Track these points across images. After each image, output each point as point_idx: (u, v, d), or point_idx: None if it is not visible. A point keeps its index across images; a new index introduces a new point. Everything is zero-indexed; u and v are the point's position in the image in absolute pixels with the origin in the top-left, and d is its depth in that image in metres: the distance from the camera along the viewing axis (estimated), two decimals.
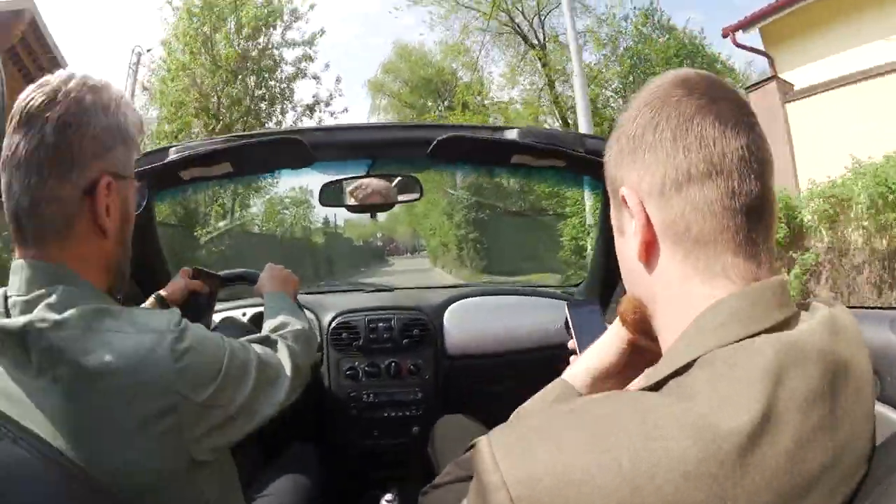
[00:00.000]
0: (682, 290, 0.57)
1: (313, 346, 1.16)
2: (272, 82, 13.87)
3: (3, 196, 0.80)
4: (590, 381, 0.78)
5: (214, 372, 0.83)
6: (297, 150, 1.48)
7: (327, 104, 14.96)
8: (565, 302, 1.05)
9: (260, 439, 0.89)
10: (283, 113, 14.28)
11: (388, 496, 1.40)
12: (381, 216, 1.89)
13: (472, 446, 0.51)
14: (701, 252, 0.56)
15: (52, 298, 0.77)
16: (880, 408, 0.65)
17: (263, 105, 13.82)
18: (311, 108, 14.77)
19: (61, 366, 0.74)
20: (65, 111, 0.79)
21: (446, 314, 1.92)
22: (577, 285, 2.16)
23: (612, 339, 0.78)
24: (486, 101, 15.45)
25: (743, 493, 0.44)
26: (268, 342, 1.01)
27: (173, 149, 1.46)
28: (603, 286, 1.90)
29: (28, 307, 0.77)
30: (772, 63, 8.16)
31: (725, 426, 0.45)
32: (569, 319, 1.01)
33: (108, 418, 0.74)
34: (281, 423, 1.00)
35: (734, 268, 0.56)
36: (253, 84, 13.33)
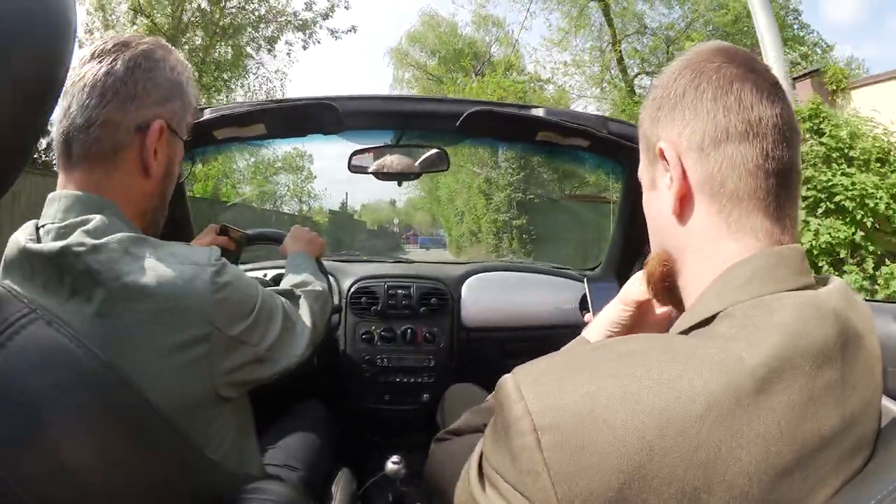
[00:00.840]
0: (712, 245, 0.60)
1: (328, 309, 1.19)
2: None
3: (60, 117, 0.84)
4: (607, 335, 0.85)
5: (248, 309, 0.87)
6: (330, 115, 1.52)
7: (326, 17, 13.05)
8: (584, 278, 1.08)
9: (275, 394, 0.92)
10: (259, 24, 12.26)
11: (395, 458, 1.44)
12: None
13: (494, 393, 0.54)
14: (733, 208, 0.59)
15: (90, 225, 0.79)
16: (883, 399, 0.67)
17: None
18: (303, 25, 12.76)
19: (97, 287, 0.75)
20: (136, 54, 0.86)
21: (464, 286, 1.95)
22: (593, 269, 2.18)
23: (616, 304, 0.87)
24: (523, 75, 13.97)
25: (755, 436, 0.46)
26: (291, 297, 1.04)
27: (208, 110, 1.50)
28: (620, 270, 1.92)
29: (64, 233, 0.79)
30: None
31: (744, 363, 0.48)
32: (587, 294, 1.04)
33: (140, 340, 0.76)
34: (296, 378, 1.04)
35: (762, 228, 0.58)
36: None
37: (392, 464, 1.42)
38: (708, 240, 0.60)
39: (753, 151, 0.58)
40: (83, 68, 0.84)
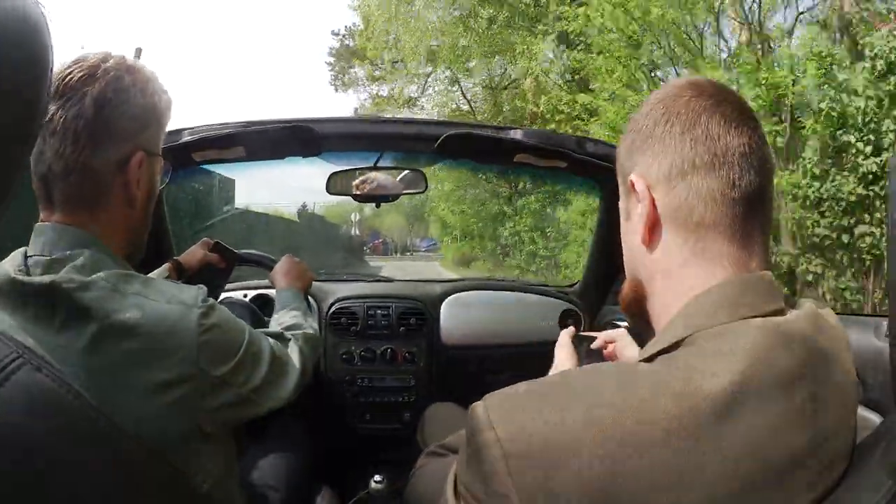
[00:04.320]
0: (679, 272, 0.62)
1: (319, 350, 1.19)
2: None
3: (32, 160, 0.82)
4: None
5: (233, 352, 0.87)
6: (308, 138, 1.54)
7: None
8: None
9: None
10: None
11: (377, 476, 1.44)
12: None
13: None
14: (700, 237, 0.61)
15: (79, 261, 0.80)
16: (863, 411, 0.69)
17: None
18: None
19: (88, 323, 0.76)
20: (104, 88, 0.82)
21: (443, 305, 1.97)
22: (572, 285, 2.21)
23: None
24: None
25: (720, 459, 0.48)
26: (282, 339, 1.05)
27: (187, 131, 1.52)
28: (598, 286, 1.96)
29: (51, 267, 0.79)
30: None
31: (705, 389, 0.50)
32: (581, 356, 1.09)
33: (125, 377, 0.77)
34: None
35: (728, 255, 0.60)
36: None
37: (374, 482, 1.43)
38: (675, 267, 0.62)
39: (720, 182, 0.60)
40: (50, 107, 0.80)
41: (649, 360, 0.58)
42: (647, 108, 0.67)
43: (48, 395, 0.61)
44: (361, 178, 1.76)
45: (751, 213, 0.61)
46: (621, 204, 0.72)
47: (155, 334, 0.78)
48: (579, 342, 1.09)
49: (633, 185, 0.65)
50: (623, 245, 0.72)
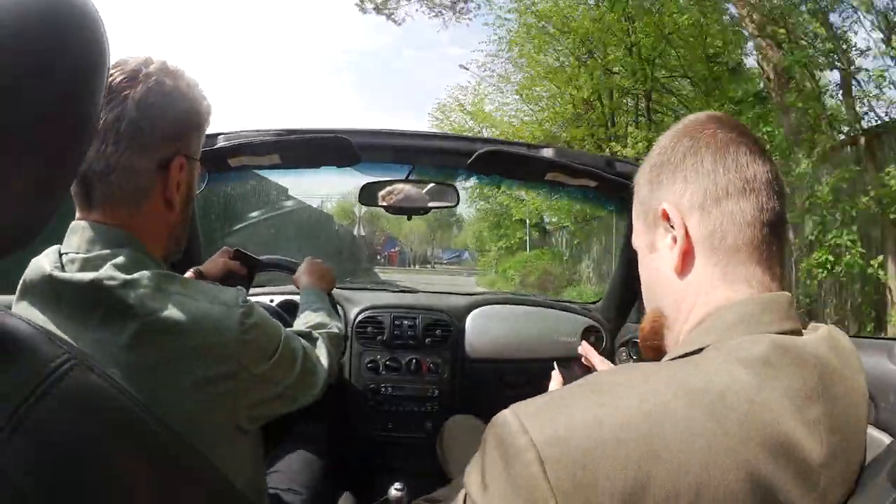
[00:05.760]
0: (707, 294, 0.64)
1: (343, 349, 1.20)
2: None
3: None
4: None
5: (272, 350, 0.89)
6: (345, 149, 1.56)
7: None
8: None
9: (278, 416, 0.94)
10: None
11: (398, 485, 1.45)
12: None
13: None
14: (731, 259, 0.64)
15: (119, 260, 0.80)
16: (874, 432, 0.70)
17: None
18: None
19: (130, 320, 0.77)
20: (147, 92, 0.83)
21: (469, 318, 1.99)
22: (595, 302, 2.22)
23: None
24: None
25: (742, 461, 0.50)
26: (310, 339, 1.07)
27: (222, 136, 1.55)
28: (620, 303, 1.96)
29: (89, 265, 0.80)
30: None
31: (729, 398, 0.52)
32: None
33: (167, 374, 0.78)
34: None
35: (754, 276, 0.63)
36: None
37: (395, 490, 1.44)
38: (703, 290, 0.65)
39: (750, 205, 0.63)
40: None
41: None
42: (671, 142, 0.70)
43: (101, 396, 0.62)
44: (390, 189, 1.78)
45: (774, 237, 0.64)
46: (640, 238, 0.74)
47: (198, 333, 0.80)
48: (565, 365, 1.21)
49: (665, 214, 0.67)
50: (643, 276, 0.75)
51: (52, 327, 0.78)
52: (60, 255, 0.83)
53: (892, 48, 5.44)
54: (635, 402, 0.52)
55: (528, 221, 17.28)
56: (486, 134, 13.52)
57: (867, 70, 5.76)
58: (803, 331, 0.62)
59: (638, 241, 0.74)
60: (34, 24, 0.45)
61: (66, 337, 0.74)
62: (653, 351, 0.72)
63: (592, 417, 0.51)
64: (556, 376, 1.17)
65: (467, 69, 15.62)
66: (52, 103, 0.48)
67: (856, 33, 6.14)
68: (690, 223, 0.66)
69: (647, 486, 0.48)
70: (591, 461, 0.49)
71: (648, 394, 0.52)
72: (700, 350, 0.59)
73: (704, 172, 0.65)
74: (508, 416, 0.53)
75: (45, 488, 0.53)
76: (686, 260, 0.66)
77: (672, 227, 0.67)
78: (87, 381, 0.61)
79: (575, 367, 1.22)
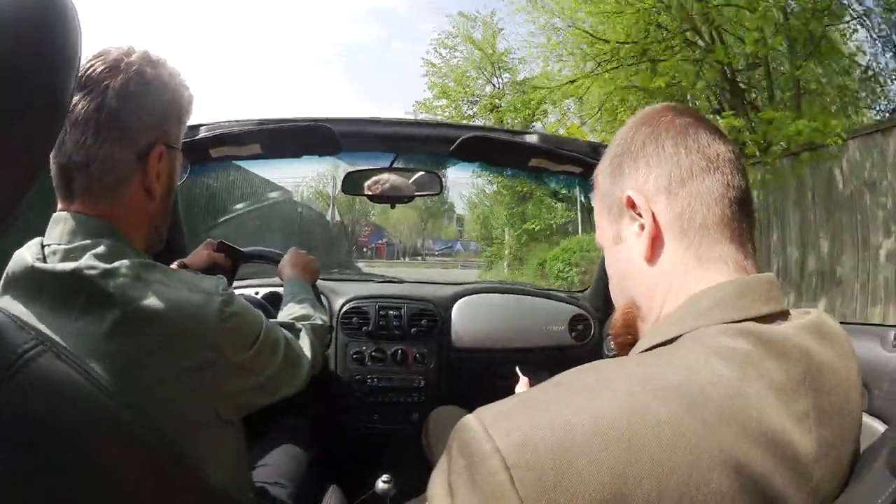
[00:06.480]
0: (682, 278, 0.63)
1: (327, 340, 1.21)
2: None
3: (54, 151, 0.82)
4: None
5: (253, 339, 0.89)
6: (326, 138, 1.55)
7: None
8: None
9: (263, 409, 0.93)
10: None
11: (385, 476, 1.45)
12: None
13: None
14: (703, 239, 0.62)
15: (100, 249, 0.80)
16: (868, 419, 0.69)
17: None
18: None
19: (109, 309, 0.76)
20: (127, 81, 0.82)
21: (455, 308, 1.98)
22: (582, 290, 2.21)
23: None
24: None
25: (726, 459, 0.47)
26: (293, 330, 1.06)
27: (204, 127, 1.53)
28: (607, 291, 1.95)
29: (71, 255, 0.80)
30: None
31: (711, 395, 0.49)
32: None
33: (148, 363, 0.78)
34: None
35: (729, 255, 0.62)
36: None
37: (382, 482, 1.44)
38: (677, 274, 0.63)
39: (716, 183, 0.63)
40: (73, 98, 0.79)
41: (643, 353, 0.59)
42: (630, 133, 0.70)
43: (69, 383, 0.62)
44: (374, 178, 1.76)
45: (742, 214, 0.64)
46: (605, 233, 0.72)
47: (177, 321, 0.80)
48: (534, 371, 1.22)
49: (630, 202, 0.66)
50: (611, 271, 0.74)
51: (34, 319, 0.77)
52: (43, 246, 0.83)
53: None
54: (608, 402, 0.49)
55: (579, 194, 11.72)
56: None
57: None
58: (790, 314, 0.60)
59: (603, 237, 0.73)
60: (4, 12, 0.43)
61: (47, 328, 0.74)
62: (627, 347, 0.69)
63: (563, 420, 0.48)
64: (522, 380, 1.18)
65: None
66: (21, 92, 0.46)
67: None
68: (657, 207, 0.64)
69: (627, 491, 0.45)
70: (562, 467, 0.46)
71: (622, 392, 0.49)
72: (673, 340, 0.57)
73: (667, 156, 0.65)
74: (472, 422, 0.50)
75: (7, 470, 0.54)
76: (656, 245, 0.65)
77: (639, 214, 0.66)
78: (55, 368, 0.61)
79: (539, 370, 1.20)
